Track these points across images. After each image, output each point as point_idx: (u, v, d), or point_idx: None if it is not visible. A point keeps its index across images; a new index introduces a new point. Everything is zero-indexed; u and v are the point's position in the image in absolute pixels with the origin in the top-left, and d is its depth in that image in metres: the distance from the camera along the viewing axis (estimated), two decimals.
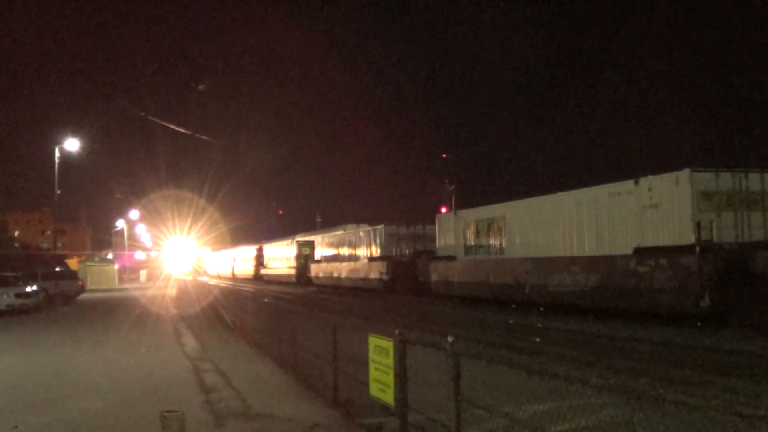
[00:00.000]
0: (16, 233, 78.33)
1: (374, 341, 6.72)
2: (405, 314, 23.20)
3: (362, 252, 38.62)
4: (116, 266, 68.08)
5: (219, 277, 79.70)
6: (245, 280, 66.33)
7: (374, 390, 6.72)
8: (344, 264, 41.32)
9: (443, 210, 37.37)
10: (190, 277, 50.82)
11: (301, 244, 52.28)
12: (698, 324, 16.15)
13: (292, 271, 52.90)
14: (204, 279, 57.54)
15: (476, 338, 14.66)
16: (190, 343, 16.19)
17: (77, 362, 13.28)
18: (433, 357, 5.79)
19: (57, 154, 39.09)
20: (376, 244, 36.54)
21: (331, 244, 45.48)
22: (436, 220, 30.42)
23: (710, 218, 16.55)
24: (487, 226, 25.89)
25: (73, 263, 54.90)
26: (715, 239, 16.27)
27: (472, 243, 26.88)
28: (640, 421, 3.69)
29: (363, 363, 7.08)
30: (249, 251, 69.94)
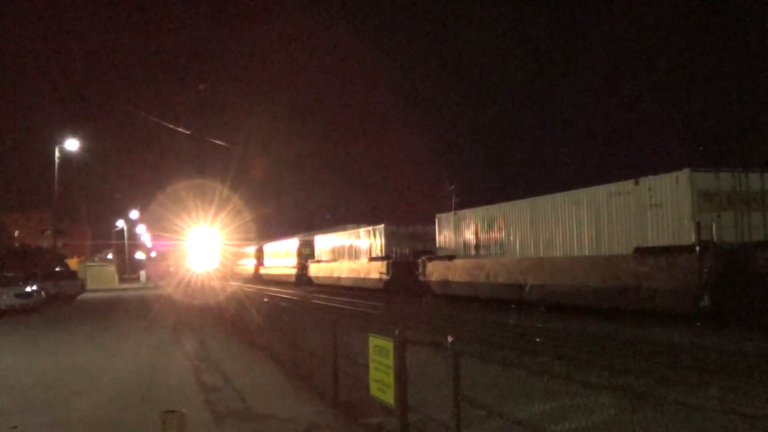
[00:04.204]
0: (16, 233, 78.27)
1: (374, 341, 6.71)
2: (404, 314, 23.19)
3: (362, 252, 38.61)
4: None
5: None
6: (244, 280, 66.22)
7: (374, 390, 6.72)
8: (344, 264, 41.30)
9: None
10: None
11: (301, 244, 52.26)
12: (698, 324, 16.13)
13: (292, 271, 52.86)
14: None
15: (476, 338, 14.65)
16: (190, 342, 16.18)
17: (77, 362, 13.28)
18: (433, 357, 5.79)
19: (57, 154, 39.06)
20: (376, 244, 36.53)
21: (331, 244, 45.47)
22: (436, 220, 30.41)
23: (710, 218, 16.53)
24: (487, 226, 25.89)
25: (73, 263, 54.93)
26: (715, 239, 16.26)
27: (472, 243, 26.88)
28: (640, 421, 3.69)
29: (363, 363, 7.08)
30: (248, 251, 69.84)
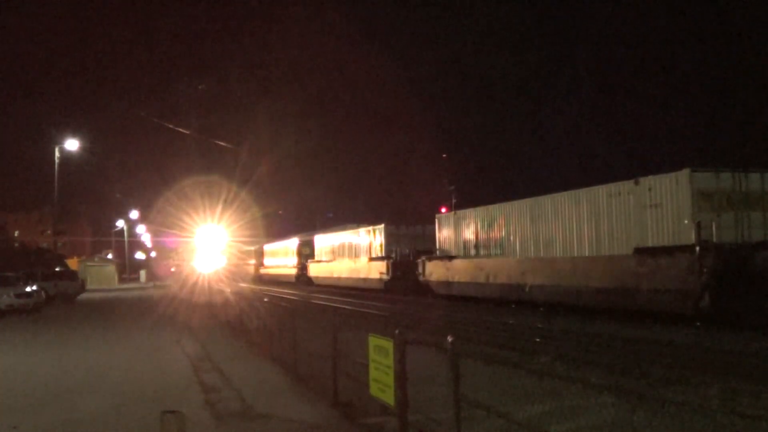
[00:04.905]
0: (16, 233, 78.28)
1: (374, 341, 6.71)
2: (405, 314, 23.18)
3: (362, 252, 38.61)
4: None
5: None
6: (245, 280, 66.11)
7: (374, 390, 6.72)
8: (344, 264, 41.30)
9: (443, 210, 37.36)
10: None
11: (300, 244, 52.26)
12: (698, 324, 16.14)
13: (292, 271, 52.86)
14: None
15: (476, 338, 14.65)
16: (190, 342, 16.18)
17: (77, 362, 13.28)
18: (433, 357, 5.79)
19: (57, 154, 39.05)
20: (376, 244, 36.53)
21: (330, 244, 45.47)
22: (436, 220, 30.42)
23: (710, 218, 16.54)
24: (487, 226, 25.90)
25: (73, 263, 54.93)
26: (715, 239, 16.27)
27: (472, 243, 26.88)
28: (640, 421, 3.69)
29: (363, 363, 7.08)
30: (249, 251, 69.77)
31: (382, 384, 6.51)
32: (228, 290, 27.83)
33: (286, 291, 41.87)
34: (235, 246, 67.68)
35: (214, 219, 56.67)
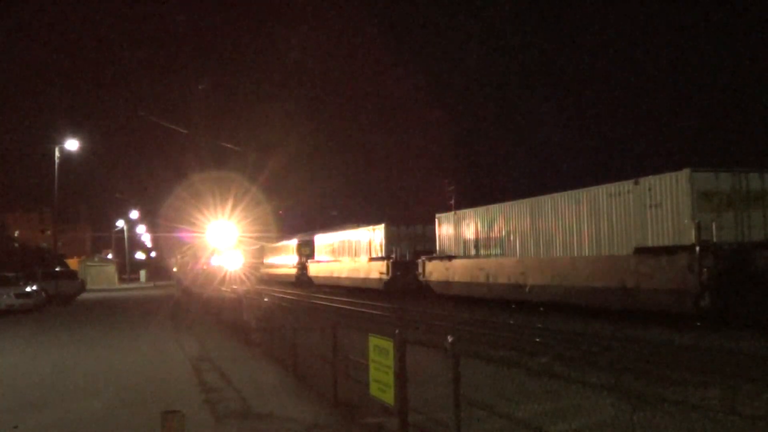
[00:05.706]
0: (17, 233, 78.22)
1: (374, 341, 6.71)
2: (404, 314, 23.18)
3: (362, 252, 38.59)
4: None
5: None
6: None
7: (374, 390, 6.72)
8: (344, 264, 41.28)
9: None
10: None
11: (300, 244, 52.23)
12: (698, 324, 16.14)
13: (292, 271, 52.84)
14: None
15: (476, 338, 14.65)
16: (190, 342, 16.18)
17: (77, 362, 13.29)
18: (433, 357, 5.79)
19: (57, 154, 39.02)
20: (376, 244, 36.51)
21: (330, 244, 45.44)
22: (436, 220, 30.40)
23: (710, 218, 16.54)
24: (487, 226, 25.89)
25: (73, 263, 54.92)
26: (715, 239, 16.27)
27: (472, 243, 26.88)
28: (640, 421, 3.70)
29: (363, 363, 7.08)
30: (249, 251, 69.80)
31: (382, 384, 6.51)
32: (230, 290, 27.85)
33: (286, 291, 41.88)
34: (236, 247, 67.95)
35: (224, 217, 56.49)
